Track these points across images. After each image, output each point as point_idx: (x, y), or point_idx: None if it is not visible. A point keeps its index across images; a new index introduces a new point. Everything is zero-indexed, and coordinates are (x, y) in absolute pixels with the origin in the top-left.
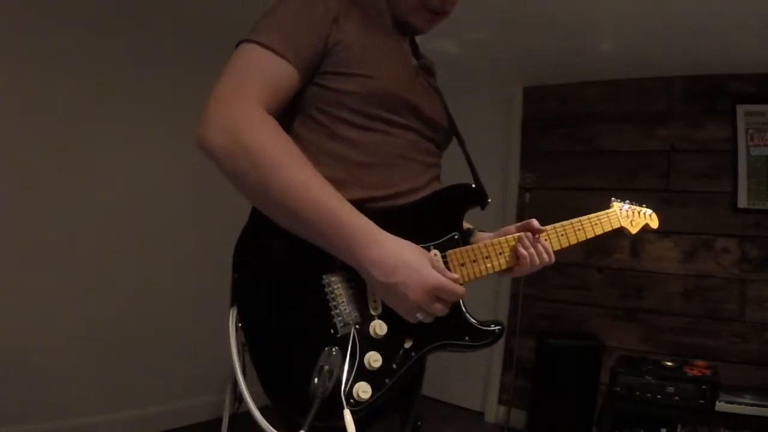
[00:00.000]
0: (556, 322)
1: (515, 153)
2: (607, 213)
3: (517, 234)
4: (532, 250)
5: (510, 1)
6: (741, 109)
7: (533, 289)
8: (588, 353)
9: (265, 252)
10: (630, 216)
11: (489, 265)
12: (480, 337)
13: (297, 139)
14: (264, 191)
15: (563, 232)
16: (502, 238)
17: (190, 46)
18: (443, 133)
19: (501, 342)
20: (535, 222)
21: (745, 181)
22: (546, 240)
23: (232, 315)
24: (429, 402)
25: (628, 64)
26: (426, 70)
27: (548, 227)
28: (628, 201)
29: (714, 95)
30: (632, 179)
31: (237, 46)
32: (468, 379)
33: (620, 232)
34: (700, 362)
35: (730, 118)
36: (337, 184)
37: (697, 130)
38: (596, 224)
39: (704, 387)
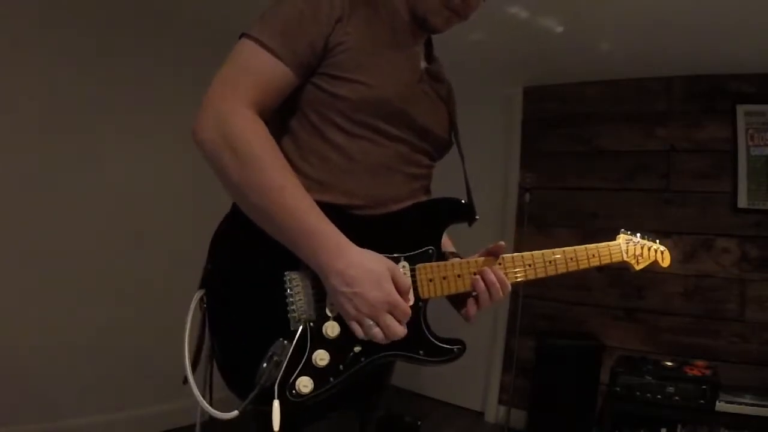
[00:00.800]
0: (556, 322)
1: (515, 153)
2: (609, 245)
3: (492, 252)
4: (491, 278)
5: (510, 2)
6: (741, 109)
7: (533, 289)
8: (588, 353)
9: (237, 242)
10: (637, 251)
11: (460, 283)
12: (435, 354)
13: (290, 134)
14: (243, 190)
15: (551, 260)
16: (479, 258)
17: (191, 46)
18: (440, 142)
19: (501, 342)
20: (500, 248)
21: (745, 181)
22: (530, 267)
23: (197, 296)
24: (429, 402)
25: (628, 64)
26: (433, 76)
27: (536, 252)
28: (639, 234)
29: (714, 95)
30: (632, 179)
31: (240, 37)
32: (468, 379)
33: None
34: (700, 362)
35: (730, 118)
36: (319, 185)
37: (697, 130)
38: (593, 256)
39: (704, 387)
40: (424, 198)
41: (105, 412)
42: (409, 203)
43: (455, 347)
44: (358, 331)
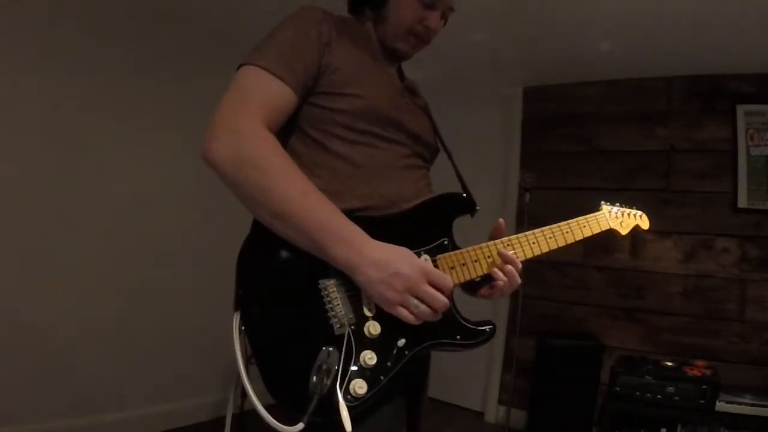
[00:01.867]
0: (556, 322)
1: (515, 153)
2: (596, 215)
3: (500, 241)
4: (509, 268)
5: (510, 2)
6: (741, 109)
7: (533, 289)
8: (588, 353)
9: (264, 260)
10: (619, 217)
11: (478, 267)
12: (471, 337)
13: (293, 153)
14: (265, 199)
15: (551, 235)
16: (490, 243)
17: (195, 47)
18: (429, 147)
19: (501, 342)
20: (501, 226)
21: (745, 181)
22: (534, 243)
23: (236, 319)
24: (429, 402)
25: (628, 64)
26: (411, 91)
27: (536, 230)
28: (618, 203)
29: (714, 95)
30: (632, 179)
31: (238, 68)
32: (468, 379)
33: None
34: (700, 362)
35: (730, 118)
36: (332, 194)
37: (697, 130)
38: (584, 226)
39: (704, 387)
40: (429, 195)
41: (105, 412)
42: (417, 201)
43: (487, 327)
44: (406, 315)
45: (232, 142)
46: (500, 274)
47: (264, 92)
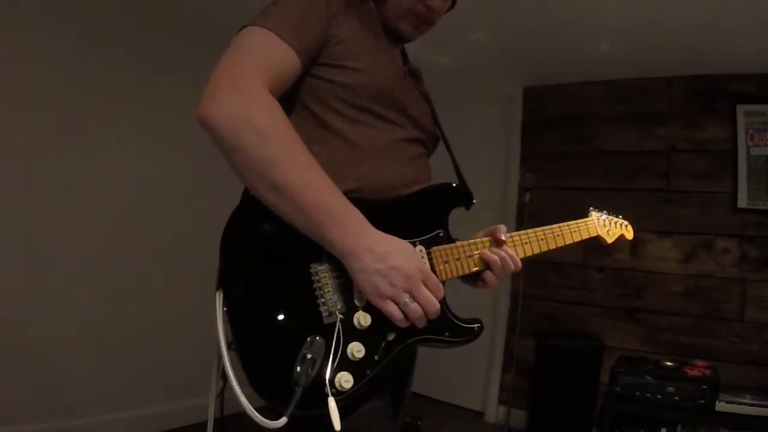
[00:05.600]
0: (556, 322)
1: (515, 153)
2: (586, 221)
3: (491, 233)
4: (502, 254)
5: (510, 2)
6: (741, 109)
7: (533, 289)
8: (588, 353)
9: (253, 237)
10: (607, 225)
11: (472, 263)
12: (460, 334)
13: None
14: (265, 170)
15: (543, 237)
16: (485, 238)
17: (195, 47)
18: (429, 133)
19: (501, 342)
20: (501, 230)
21: (745, 181)
22: (526, 243)
23: (219, 298)
24: (429, 402)
25: (628, 64)
26: (414, 74)
27: (529, 231)
28: (605, 211)
29: (714, 95)
30: (632, 179)
31: (241, 29)
32: (468, 379)
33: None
34: (700, 362)
35: (730, 118)
36: (328, 173)
37: (697, 130)
38: (575, 231)
39: (704, 387)
40: (428, 183)
41: (105, 412)
42: (416, 188)
43: (475, 326)
44: (394, 311)
45: (233, 103)
46: (495, 259)
47: (269, 54)
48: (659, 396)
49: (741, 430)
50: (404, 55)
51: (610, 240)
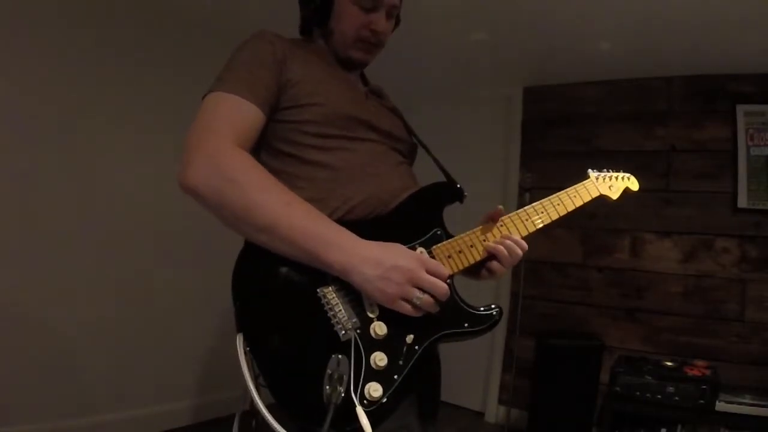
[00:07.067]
0: (556, 322)
1: (515, 153)
2: (584, 183)
3: (492, 218)
4: (507, 242)
5: (510, 2)
6: (741, 109)
7: (533, 289)
8: (588, 353)
9: (260, 276)
10: (608, 181)
11: (475, 252)
12: (479, 322)
13: (270, 171)
14: (249, 215)
15: (542, 210)
16: (483, 226)
17: (195, 47)
18: (405, 144)
19: (501, 342)
20: (498, 211)
21: (745, 181)
22: (527, 220)
23: (239, 341)
24: None
25: (628, 64)
26: (377, 93)
27: (528, 207)
28: (605, 169)
29: (714, 95)
30: None
31: (203, 98)
32: (468, 379)
33: (620, 229)
34: (700, 362)
35: (730, 118)
36: (316, 202)
37: (697, 130)
38: (574, 196)
39: (704, 387)
40: (415, 188)
41: (105, 412)
42: (404, 196)
43: (494, 311)
44: (408, 309)
45: (207, 165)
46: (500, 248)
47: (231, 113)
48: (659, 396)
49: (741, 430)
50: (363, 78)
51: (614, 196)
